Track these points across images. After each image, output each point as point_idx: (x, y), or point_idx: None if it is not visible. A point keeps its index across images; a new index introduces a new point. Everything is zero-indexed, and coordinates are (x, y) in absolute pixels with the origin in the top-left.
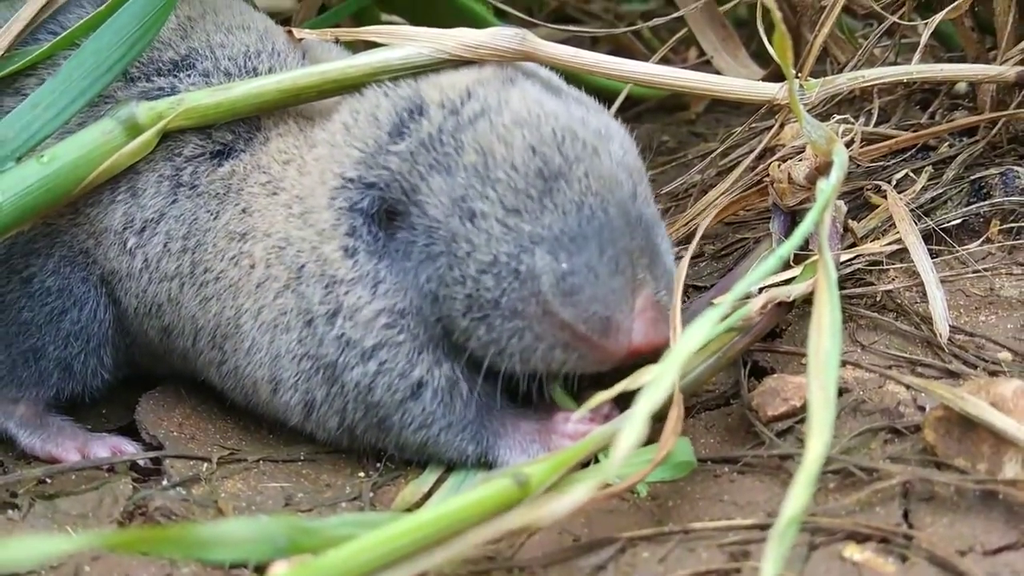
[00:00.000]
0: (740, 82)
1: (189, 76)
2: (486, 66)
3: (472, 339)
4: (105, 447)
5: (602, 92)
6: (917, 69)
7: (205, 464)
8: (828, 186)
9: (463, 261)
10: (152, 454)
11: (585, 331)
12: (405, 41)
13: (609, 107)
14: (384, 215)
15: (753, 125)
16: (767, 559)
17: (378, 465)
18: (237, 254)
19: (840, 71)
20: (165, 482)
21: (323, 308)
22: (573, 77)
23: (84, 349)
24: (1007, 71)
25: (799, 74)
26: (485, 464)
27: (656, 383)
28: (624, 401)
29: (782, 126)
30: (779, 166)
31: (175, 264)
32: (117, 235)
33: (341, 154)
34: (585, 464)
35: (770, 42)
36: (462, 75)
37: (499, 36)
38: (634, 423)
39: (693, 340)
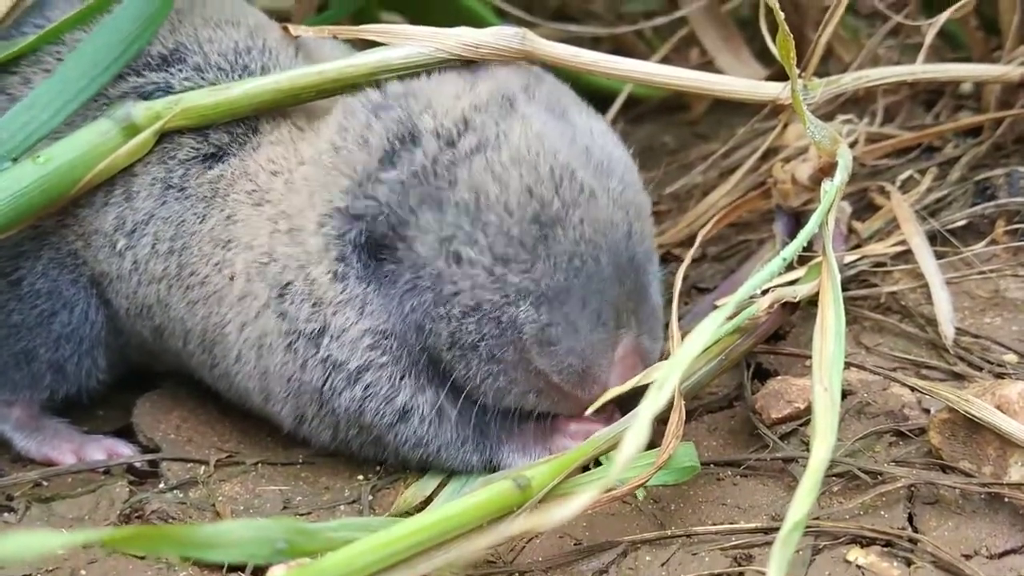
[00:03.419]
0: (743, 82)
1: (181, 71)
2: (482, 83)
3: (454, 371)
4: (101, 449)
5: (603, 92)
6: (922, 69)
7: (203, 467)
8: (832, 187)
9: (448, 300)
10: (149, 457)
11: (559, 381)
12: (405, 40)
13: (609, 108)
14: (372, 245)
15: (756, 126)
16: (772, 564)
17: (378, 468)
18: (220, 261)
19: (844, 71)
20: (162, 485)
21: (309, 327)
22: (573, 77)
23: (76, 351)
24: (1012, 71)
25: (802, 74)
26: (492, 470)
27: (660, 386)
28: (625, 401)
29: (785, 126)
30: (782, 167)
31: (162, 266)
32: (107, 237)
33: (330, 180)
34: (586, 467)
35: (773, 41)
36: (458, 99)
37: (499, 35)
38: (638, 427)
39: (697, 343)
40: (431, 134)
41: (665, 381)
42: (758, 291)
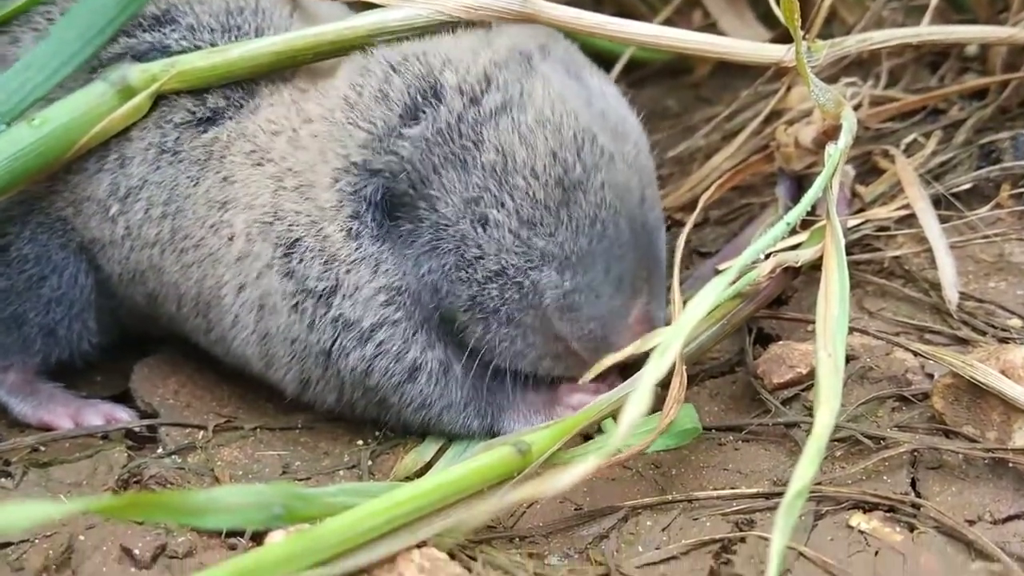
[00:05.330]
0: (746, 44)
1: (175, 31)
2: (499, 39)
3: (468, 333)
4: (98, 414)
5: (605, 55)
6: (927, 31)
7: (201, 432)
8: (837, 150)
9: (471, 264)
10: (147, 422)
11: (578, 348)
12: (403, 1)
13: (611, 70)
14: (388, 203)
15: (759, 89)
16: (776, 531)
17: (377, 433)
18: (217, 222)
19: (848, 33)
20: (160, 450)
21: (320, 285)
22: (575, 40)
23: (67, 314)
24: (1018, 33)
25: (806, 36)
26: (492, 437)
27: (662, 352)
28: (624, 367)
29: (789, 89)
30: (785, 130)
31: (155, 230)
32: (100, 203)
33: (344, 133)
34: (587, 435)
35: (777, 3)
36: (477, 55)
37: None
38: (640, 393)
39: (701, 308)
40: (455, 90)
41: (668, 347)
42: (761, 255)
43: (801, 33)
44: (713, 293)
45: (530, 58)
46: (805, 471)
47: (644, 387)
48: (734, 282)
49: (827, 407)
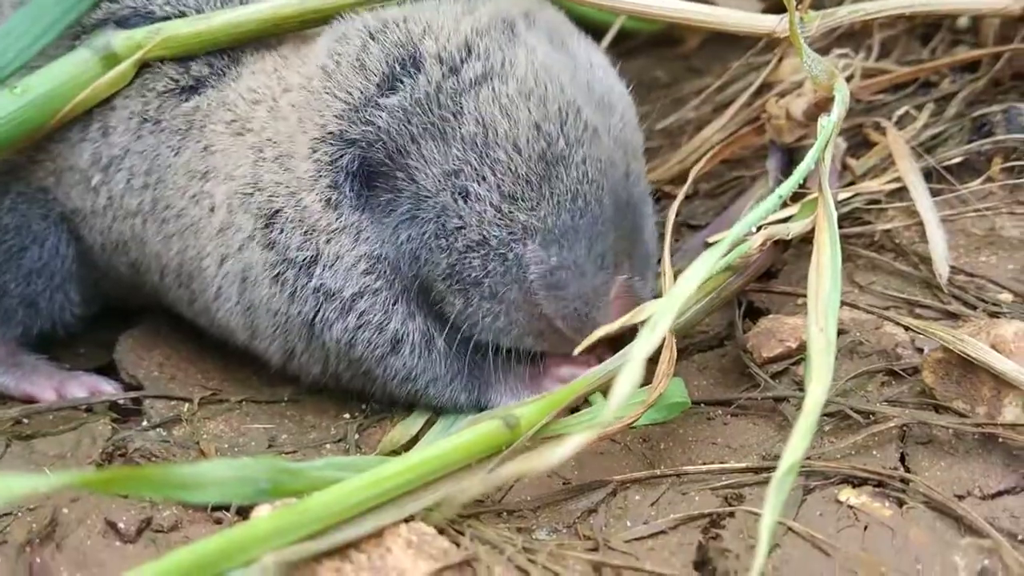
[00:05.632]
0: (738, 14)
1: None
2: (482, 6)
3: (447, 304)
4: (82, 386)
5: (594, 24)
6: (919, 2)
7: (186, 405)
8: (829, 123)
9: (451, 234)
10: (132, 394)
11: (562, 325)
12: None
13: (601, 41)
14: (365, 173)
15: (751, 60)
16: (767, 507)
17: (364, 407)
18: (198, 193)
19: (840, 4)
20: (145, 423)
21: (300, 255)
22: (564, 8)
23: (48, 286)
24: (1012, 4)
25: (798, 6)
26: (479, 411)
27: (653, 327)
28: (614, 341)
29: (780, 61)
30: (777, 102)
31: (137, 200)
32: (82, 173)
33: (321, 103)
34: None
35: None
36: (458, 22)
37: None
38: (631, 367)
39: (692, 282)
40: (434, 59)
41: (659, 321)
42: (752, 228)
43: (794, 3)
44: (704, 266)
45: (513, 26)
46: (796, 447)
47: (635, 360)
48: (725, 255)
49: (819, 383)
